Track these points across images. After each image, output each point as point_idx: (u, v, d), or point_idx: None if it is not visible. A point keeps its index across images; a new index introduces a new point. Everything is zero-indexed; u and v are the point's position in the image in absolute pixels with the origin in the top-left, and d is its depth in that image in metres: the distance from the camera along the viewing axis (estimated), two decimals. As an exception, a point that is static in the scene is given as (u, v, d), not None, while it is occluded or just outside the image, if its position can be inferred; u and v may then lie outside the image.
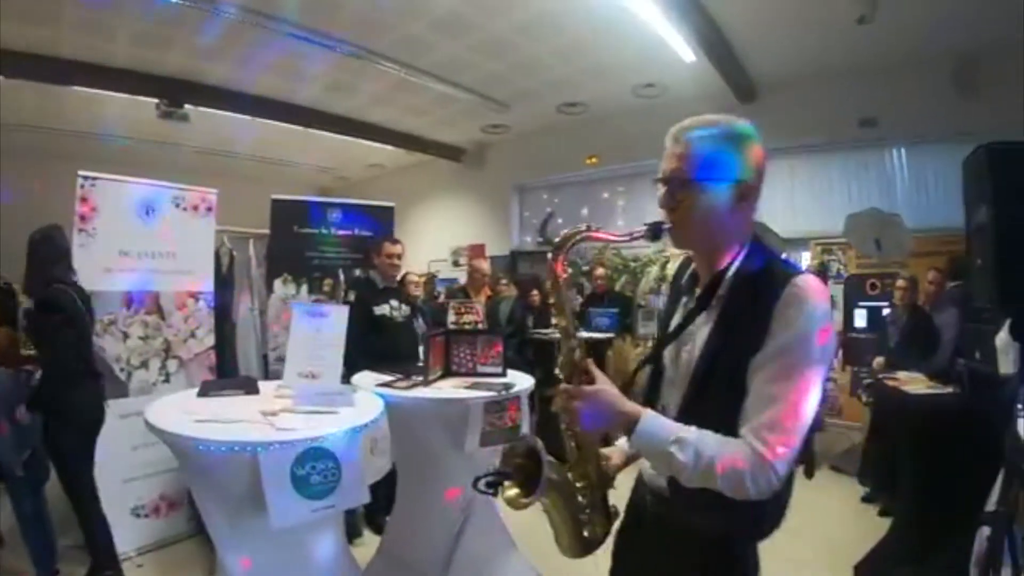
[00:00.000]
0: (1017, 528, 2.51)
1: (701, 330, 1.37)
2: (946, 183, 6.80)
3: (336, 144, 9.84)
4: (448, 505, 3.04)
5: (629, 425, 1.29)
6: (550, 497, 1.46)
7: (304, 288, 5.31)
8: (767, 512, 1.32)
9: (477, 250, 10.51)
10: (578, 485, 1.51)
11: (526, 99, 8.34)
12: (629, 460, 1.60)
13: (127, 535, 3.68)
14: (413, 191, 11.24)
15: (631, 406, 1.32)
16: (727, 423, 1.25)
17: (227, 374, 4.42)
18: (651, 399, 1.50)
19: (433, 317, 4.79)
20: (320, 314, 2.75)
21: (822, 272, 6.15)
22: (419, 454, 3.03)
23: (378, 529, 3.90)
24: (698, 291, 1.43)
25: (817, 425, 6.07)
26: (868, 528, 3.83)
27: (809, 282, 1.25)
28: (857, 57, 6.75)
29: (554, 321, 1.52)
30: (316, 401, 2.43)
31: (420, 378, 3.11)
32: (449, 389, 3.04)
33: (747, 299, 1.29)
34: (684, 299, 1.51)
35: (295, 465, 1.99)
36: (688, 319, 1.41)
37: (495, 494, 1.41)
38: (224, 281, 4.72)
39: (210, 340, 4.34)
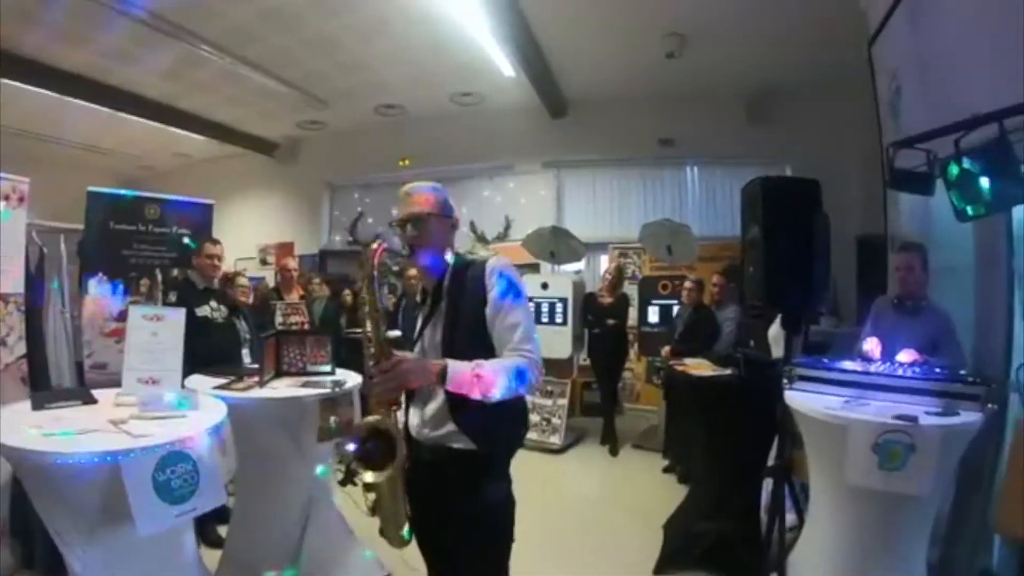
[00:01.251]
0: (795, 479, 3.08)
1: (439, 316, 1.94)
2: (731, 198, 7.82)
3: (144, 131, 9.02)
4: (289, 505, 3.06)
5: (442, 371, 1.72)
6: (389, 479, 1.76)
7: (120, 289, 4.89)
8: (516, 433, 1.97)
9: (285, 249, 10.14)
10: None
11: (345, 98, 8.28)
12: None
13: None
14: (221, 184, 10.45)
15: (434, 361, 1.79)
16: None
17: (41, 385, 3.97)
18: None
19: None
20: (157, 318, 2.66)
21: (620, 273, 6.77)
22: (258, 456, 2.98)
23: (209, 541, 3.65)
24: (429, 300, 2.01)
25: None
26: (671, 493, 4.35)
27: (499, 258, 1.95)
28: (662, 85, 7.61)
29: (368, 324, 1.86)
30: (162, 406, 2.37)
31: (254, 379, 3.14)
32: (284, 388, 3.10)
33: (464, 282, 1.91)
34: (419, 311, 2.06)
35: (156, 471, 1.94)
36: (431, 312, 1.98)
37: (355, 484, 1.75)
38: (33, 282, 4.19)
39: (21, 348, 3.85)
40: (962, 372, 2.58)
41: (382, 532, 1.88)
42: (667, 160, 8.49)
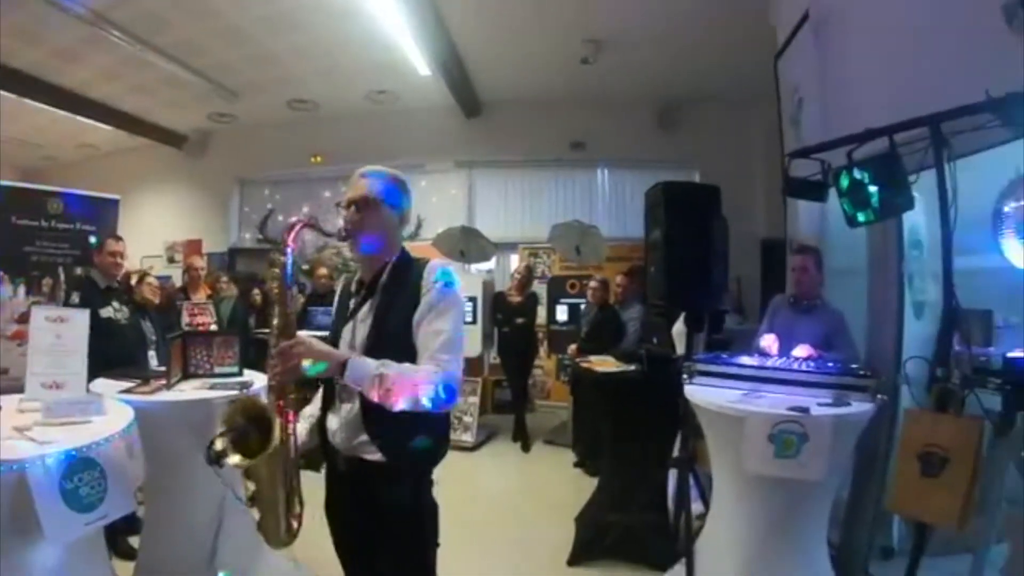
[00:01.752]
0: (700, 469, 3.20)
1: (371, 311, 1.82)
2: (641, 201, 7.91)
3: (48, 119, 8.36)
4: (200, 511, 2.93)
5: (342, 363, 1.62)
6: (268, 468, 1.67)
7: (22, 289, 4.53)
8: (433, 447, 1.81)
9: (193, 246, 9.65)
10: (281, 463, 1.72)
11: (257, 90, 7.98)
12: (310, 437, 1.92)
13: None
14: (128, 178, 9.72)
15: (339, 351, 1.73)
16: None
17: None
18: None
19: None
20: (61, 320, 2.55)
21: (529, 272, 6.83)
22: (167, 461, 2.84)
23: (121, 552, 3.46)
24: (364, 292, 1.88)
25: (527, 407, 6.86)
26: (582, 487, 4.40)
27: (436, 263, 1.83)
28: (576, 89, 7.76)
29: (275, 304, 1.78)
30: (67, 411, 2.22)
31: (161, 382, 3.04)
32: (191, 391, 3.01)
33: (402, 280, 1.81)
34: (352, 300, 1.92)
35: (63, 478, 1.83)
36: (360, 304, 1.86)
37: (221, 465, 1.58)
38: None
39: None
40: (853, 366, 2.75)
41: (259, 526, 1.76)
42: (578, 162, 8.67)
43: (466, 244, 7.09)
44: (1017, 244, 1.94)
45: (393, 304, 1.79)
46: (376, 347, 1.74)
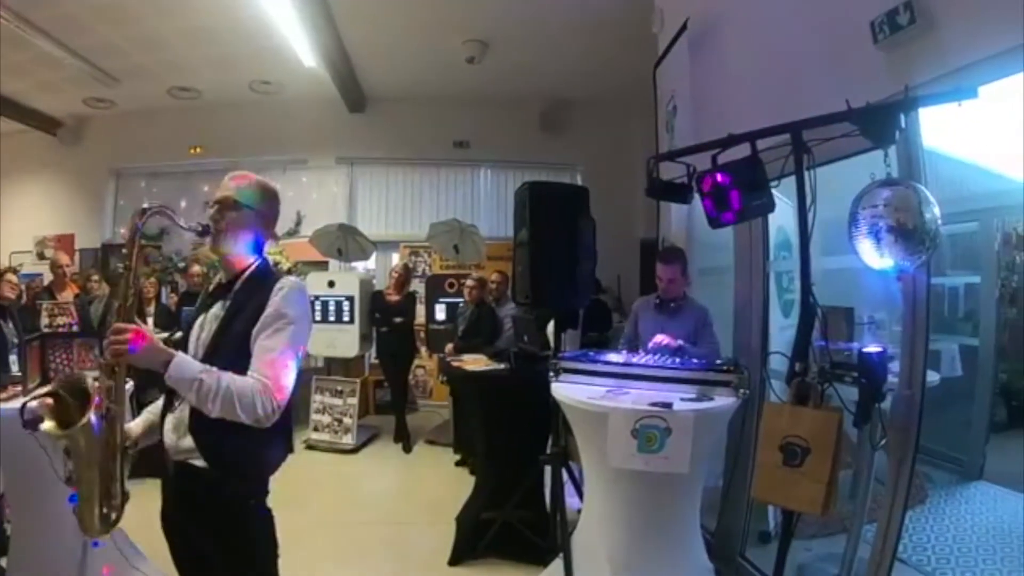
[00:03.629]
0: (573, 464, 3.13)
1: (217, 313, 1.78)
2: None
3: None
4: (66, 523, 2.56)
5: (167, 361, 1.56)
6: (86, 447, 1.58)
7: None
8: (264, 458, 1.79)
9: (64, 242, 8.66)
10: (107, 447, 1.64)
11: (139, 75, 7.24)
12: (147, 432, 1.83)
13: None
14: None
15: (169, 349, 1.62)
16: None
17: None
18: None
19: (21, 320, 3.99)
20: None
21: (407, 271, 6.61)
22: (27, 471, 2.66)
23: None
24: (219, 292, 1.85)
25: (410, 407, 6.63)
26: (464, 486, 4.18)
27: (288, 280, 1.80)
28: (461, 88, 7.64)
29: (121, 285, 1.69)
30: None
31: (19, 388, 2.90)
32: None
33: (253, 291, 1.77)
34: (209, 299, 1.88)
35: None
36: (209, 305, 1.84)
37: (35, 429, 1.59)
38: None
39: None
40: (718, 361, 2.76)
41: (75, 510, 1.67)
42: (462, 161, 8.57)
43: (344, 242, 6.79)
44: (869, 245, 1.96)
45: (241, 312, 1.75)
46: (217, 348, 1.73)
